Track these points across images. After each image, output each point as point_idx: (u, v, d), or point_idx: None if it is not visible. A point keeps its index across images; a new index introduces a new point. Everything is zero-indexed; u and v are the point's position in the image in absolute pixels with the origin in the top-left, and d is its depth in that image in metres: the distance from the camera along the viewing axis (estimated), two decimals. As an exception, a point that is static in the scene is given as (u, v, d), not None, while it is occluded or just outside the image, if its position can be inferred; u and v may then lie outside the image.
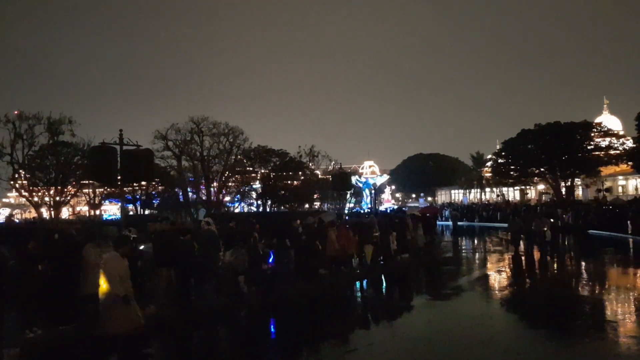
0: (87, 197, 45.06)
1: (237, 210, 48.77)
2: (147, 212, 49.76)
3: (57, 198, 33.83)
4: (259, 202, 48.99)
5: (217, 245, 12.82)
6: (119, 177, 15.67)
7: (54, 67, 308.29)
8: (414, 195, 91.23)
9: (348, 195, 59.38)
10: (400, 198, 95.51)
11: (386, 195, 69.62)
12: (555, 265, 19.13)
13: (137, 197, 47.60)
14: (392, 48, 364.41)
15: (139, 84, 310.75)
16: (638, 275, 16.20)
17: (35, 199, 34.72)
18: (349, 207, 51.75)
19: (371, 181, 57.77)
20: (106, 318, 7.56)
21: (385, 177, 58.85)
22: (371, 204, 52.94)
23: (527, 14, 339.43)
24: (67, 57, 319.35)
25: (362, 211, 49.96)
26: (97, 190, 44.28)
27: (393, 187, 69.66)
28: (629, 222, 26.96)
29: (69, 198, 37.20)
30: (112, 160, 14.73)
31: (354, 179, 65.57)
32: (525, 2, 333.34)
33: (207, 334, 10.56)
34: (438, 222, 43.81)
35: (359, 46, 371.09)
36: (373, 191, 50.96)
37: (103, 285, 7.50)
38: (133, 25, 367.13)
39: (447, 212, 49.58)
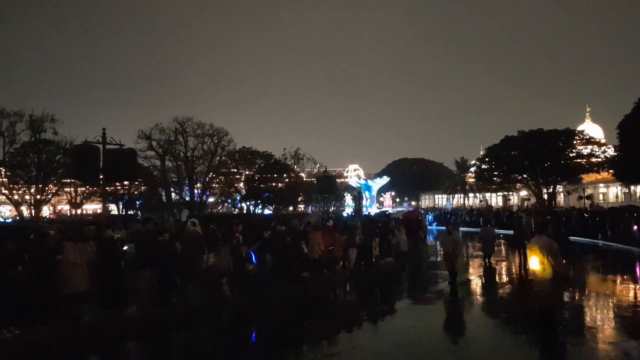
0: (69, 196, 44.59)
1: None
2: (131, 212, 49.33)
3: (38, 196, 33.41)
4: (243, 203, 48.85)
5: (201, 246, 12.73)
6: (101, 176, 15.54)
7: (38, 64, 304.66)
8: (397, 200, 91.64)
9: (348, 198, 59.21)
10: (383, 202, 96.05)
11: (387, 199, 69.26)
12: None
13: (124, 197, 47.28)
14: (378, 52, 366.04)
15: (123, 83, 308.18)
16: (617, 281, 16.39)
17: (16, 197, 34.26)
18: (351, 211, 51.31)
19: (371, 183, 57.60)
20: (537, 294, 8.73)
21: (386, 179, 58.44)
22: (370, 207, 52.84)
23: (512, 22, 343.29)
24: (50, 54, 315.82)
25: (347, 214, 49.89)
26: (78, 189, 43.84)
27: (393, 192, 69.33)
28: (607, 228, 27.30)
29: (50, 197, 36.77)
30: (95, 159, 14.62)
31: (354, 181, 65.49)
32: (511, 10, 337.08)
33: (187, 336, 10.47)
34: (442, 227, 43.99)
35: (345, 50, 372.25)
36: (362, 194, 50.89)
37: (542, 266, 8.45)
38: (118, 24, 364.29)
39: (430, 217, 49.74)
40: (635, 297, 13.79)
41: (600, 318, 11.12)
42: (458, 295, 13.98)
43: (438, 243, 17.34)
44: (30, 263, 9.92)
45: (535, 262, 8.65)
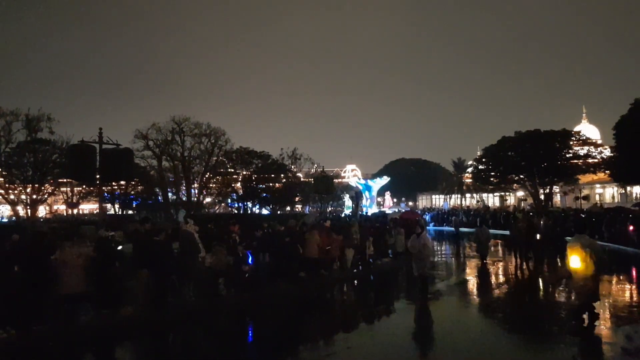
0: (65, 195, 44.42)
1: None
2: (131, 212, 49.19)
3: (34, 196, 33.28)
4: (241, 203, 48.77)
5: (194, 245, 12.69)
6: (97, 176, 15.49)
7: (35, 63, 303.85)
8: (395, 200, 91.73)
9: (347, 199, 59.25)
10: (381, 202, 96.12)
11: (387, 199, 69.16)
12: (531, 272, 19.28)
13: (121, 197, 47.15)
14: (376, 53, 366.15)
15: (120, 82, 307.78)
16: (613, 282, 16.42)
17: (12, 196, 34.14)
18: (350, 212, 51.21)
19: (371, 183, 57.55)
20: (579, 290, 9.55)
21: (386, 179, 58.28)
22: (370, 207, 52.82)
23: (509, 24, 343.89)
24: (47, 53, 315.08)
25: (343, 215, 49.84)
26: (75, 189, 43.70)
27: (389, 192, 69.30)
28: (603, 229, 27.35)
29: (46, 196, 36.64)
30: (91, 159, 14.58)
31: (354, 181, 65.36)
32: (508, 12, 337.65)
33: (184, 336, 10.46)
34: (439, 227, 44.04)
35: (343, 50, 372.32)
36: (363, 194, 50.81)
37: (584, 264, 9.17)
38: (116, 24, 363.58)
39: (428, 217, 49.68)
40: (631, 297, 13.83)
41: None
42: (428, 303, 12.77)
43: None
44: (25, 263, 9.86)
45: (576, 261, 9.26)
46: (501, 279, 17.67)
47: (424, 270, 13.68)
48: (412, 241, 14.50)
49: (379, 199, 66.21)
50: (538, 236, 21.88)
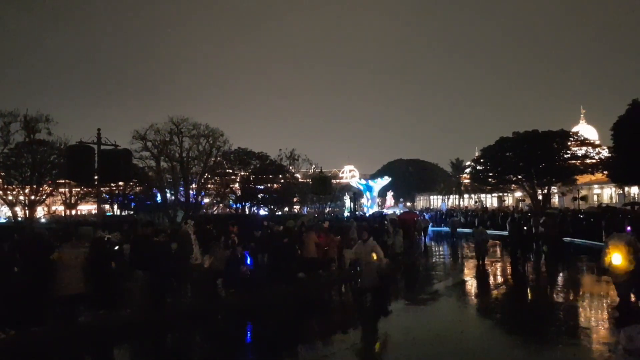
0: (63, 196, 44.37)
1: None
2: (132, 213, 49.23)
3: (32, 197, 33.25)
4: (239, 204, 48.77)
5: (189, 245, 12.69)
6: (96, 177, 15.52)
7: (33, 64, 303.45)
8: (393, 201, 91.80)
9: (348, 200, 59.29)
10: (379, 203, 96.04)
11: (388, 199, 69.02)
12: (529, 273, 19.32)
13: (118, 198, 47.17)
14: (374, 54, 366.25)
15: (118, 83, 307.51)
16: (611, 282, 16.45)
17: (10, 197, 34.10)
18: (351, 213, 51.11)
19: (372, 184, 57.54)
20: (621, 286, 10.23)
21: (387, 180, 58.21)
22: (371, 207, 52.78)
23: (507, 24, 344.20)
24: (46, 55, 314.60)
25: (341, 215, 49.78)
26: (73, 189, 43.66)
27: (392, 192, 69.29)
28: (602, 230, 27.38)
29: (44, 197, 36.59)
30: (90, 160, 14.62)
31: (355, 181, 65.29)
32: (506, 12, 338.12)
33: (182, 337, 10.46)
34: (437, 228, 43.96)
35: (341, 51, 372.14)
36: (364, 194, 50.76)
37: (626, 261, 9.76)
38: (113, 24, 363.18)
39: (428, 216, 49.61)
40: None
41: (595, 319, 11.17)
42: (381, 323, 11.11)
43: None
44: (25, 264, 9.88)
45: (618, 258, 9.78)
46: (499, 279, 17.70)
47: (375, 283, 11.59)
48: (356, 248, 12.21)
49: (379, 200, 66.25)
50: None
